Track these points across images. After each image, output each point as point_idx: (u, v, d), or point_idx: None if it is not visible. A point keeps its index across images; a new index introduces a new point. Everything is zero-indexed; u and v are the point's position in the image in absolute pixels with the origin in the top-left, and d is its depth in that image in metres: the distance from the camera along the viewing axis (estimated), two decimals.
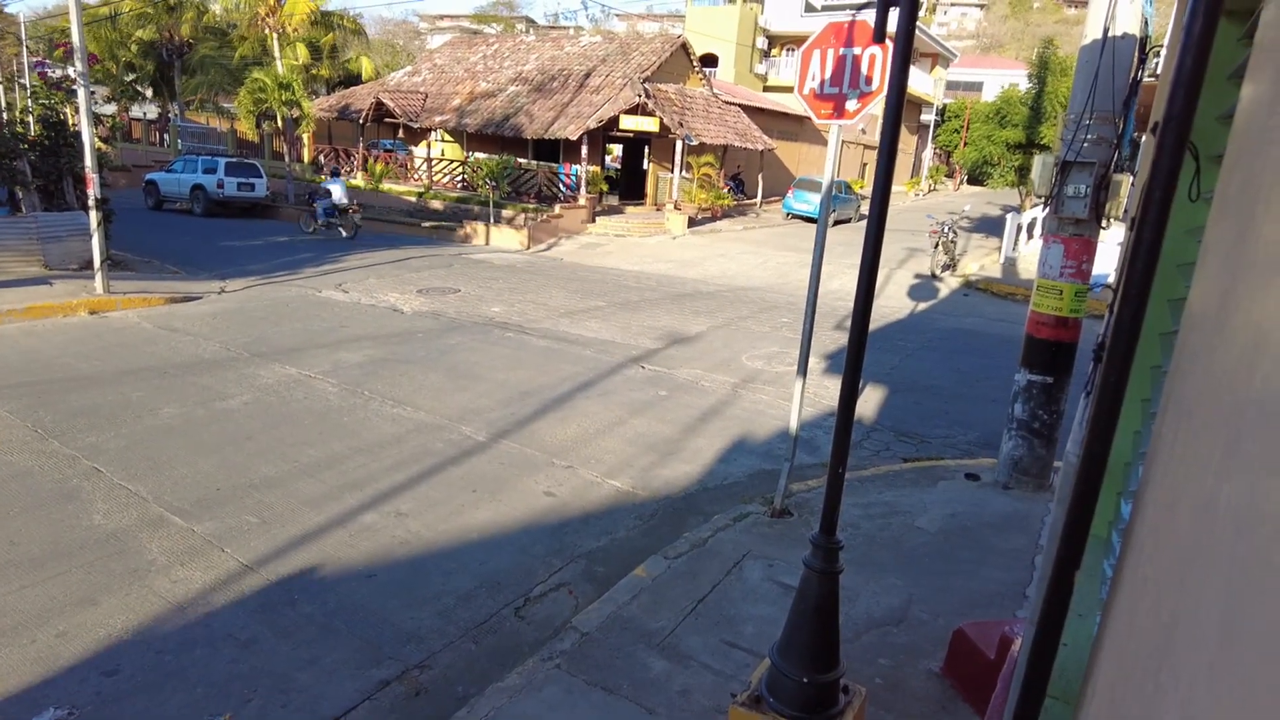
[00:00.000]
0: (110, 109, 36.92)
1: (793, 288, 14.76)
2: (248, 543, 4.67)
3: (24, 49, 24.94)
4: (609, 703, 3.38)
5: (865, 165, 41.27)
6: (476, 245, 19.58)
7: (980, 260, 18.52)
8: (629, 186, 27.51)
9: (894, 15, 2.74)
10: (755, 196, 29.97)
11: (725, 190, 26.94)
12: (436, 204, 22.87)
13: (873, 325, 3.20)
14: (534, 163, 23.74)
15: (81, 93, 10.57)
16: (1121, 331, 1.36)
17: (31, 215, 12.30)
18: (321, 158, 28.64)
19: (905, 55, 2.61)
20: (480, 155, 24.35)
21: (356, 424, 6.65)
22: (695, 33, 33.96)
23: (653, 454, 6.41)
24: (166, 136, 38.25)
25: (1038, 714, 1.56)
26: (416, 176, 25.75)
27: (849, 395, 2.78)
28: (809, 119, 5.67)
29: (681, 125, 22.89)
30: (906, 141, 45.02)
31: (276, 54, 25.24)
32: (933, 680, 3.61)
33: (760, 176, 29.94)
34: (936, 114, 44.36)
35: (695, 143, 23.58)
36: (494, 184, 20.88)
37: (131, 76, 35.77)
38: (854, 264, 2.89)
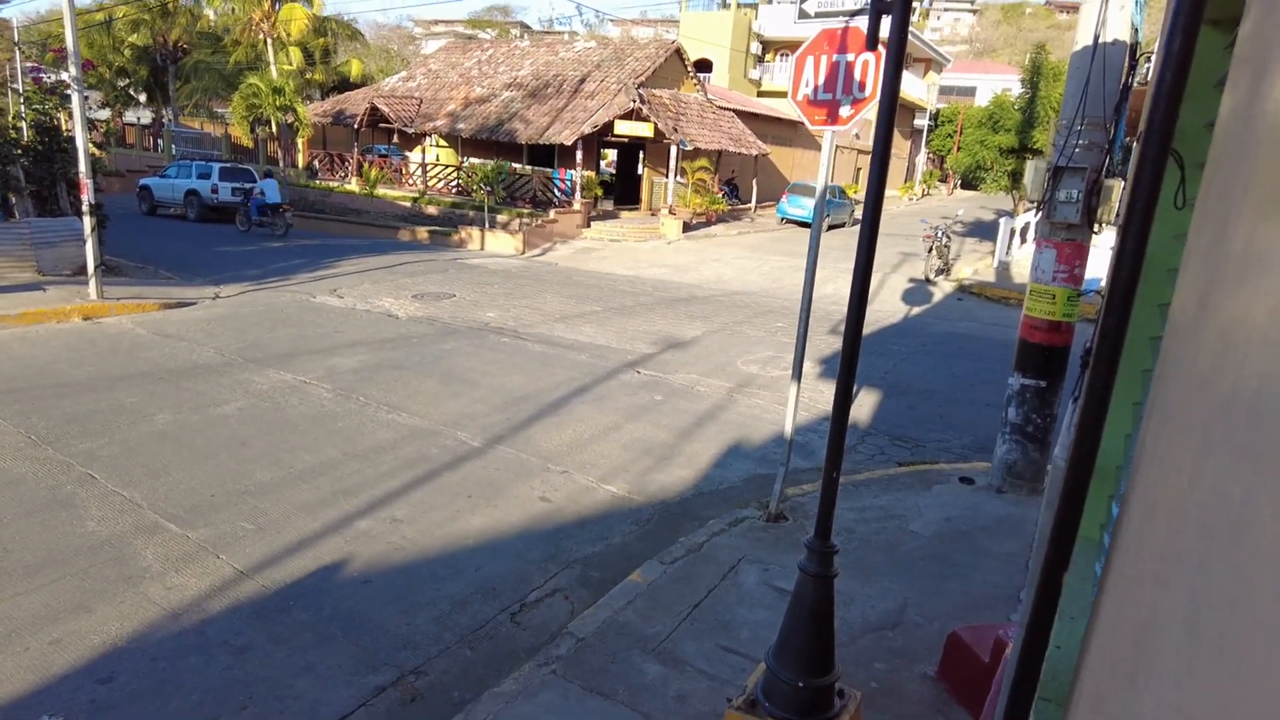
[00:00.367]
0: (104, 114, 36.85)
1: (787, 292, 14.80)
2: (243, 549, 4.67)
3: (17, 53, 24.92)
4: (605, 708, 3.38)
5: (859, 170, 41.43)
6: (471, 250, 19.59)
7: (974, 264, 18.60)
8: (624, 191, 27.55)
9: (887, 22, 2.77)
10: (749, 201, 30.05)
11: (720, 195, 27.01)
12: (431, 209, 22.88)
13: (867, 329, 3.21)
14: (529, 168, 23.77)
15: (76, 98, 10.57)
16: (1107, 336, 1.38)
17: (25, 221, 12.27)
18: (316, 162, 28.63)
19: (898, 61, 2.63)
20: (475, 160, 24.38)
21: (352, 430, 6.65)
22: (689, 38, 34.04)
23: (648, 459, 6.43)
24: (160, 142, 38.20)
25: (1027, 714, 1.58)
26: (411, 182, 25.76)
27: (843, 399, 2.80)
28: (803, 124, 5.69)
29: (676, 130, 22.95)
30: (900, 146, 45.22)
31: (271, 59, 25.25)
32: (928, 684, 3.62)
33: (754, 181, 30.03)
34: (930, 119, 44.56)
35: (690, 148, 23.64)
36: (489, 189, 20.92)
37: (125, 82, 35.74)
38: (848, 268, 2.91)
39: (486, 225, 20.25)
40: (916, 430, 7.51)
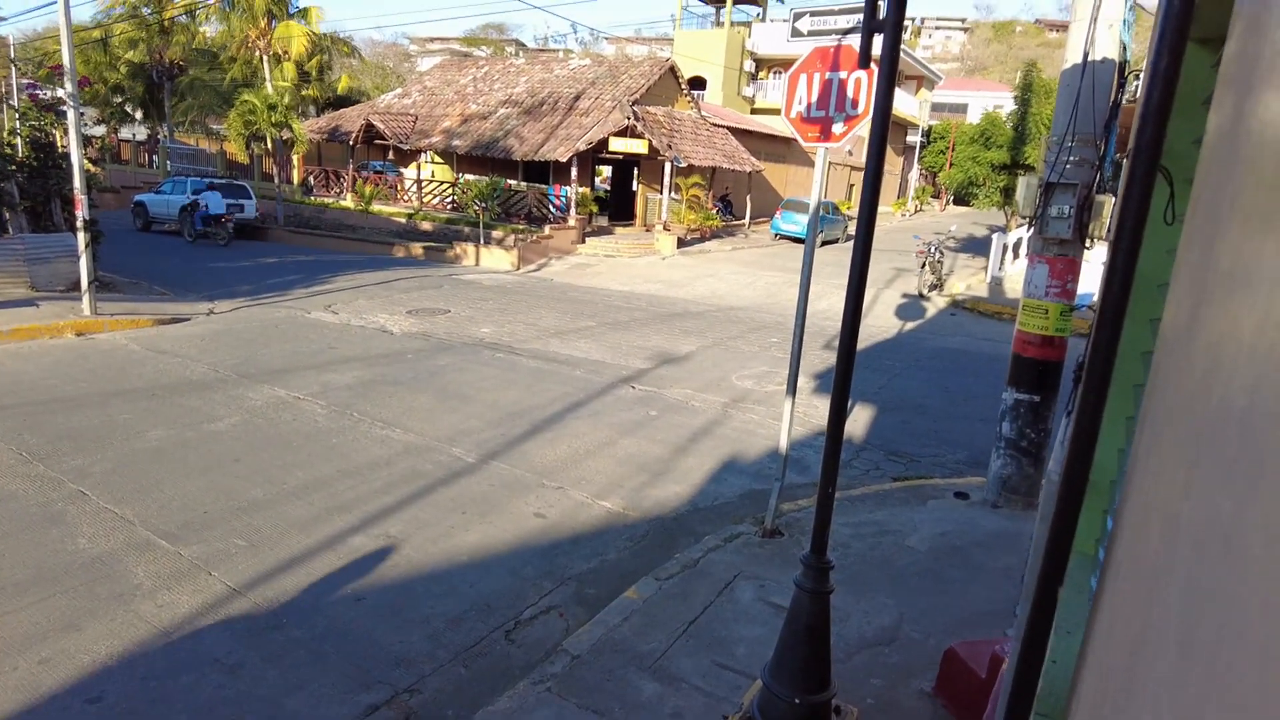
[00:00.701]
0: (99, 130, 36.92)
1: (781, 307, 14.85)
2: (235, 566, 4.63)
3: (13, 70, 24.99)
4: None
5: (852, 186, 41.69)
6: (466, 266, 19.62)
7: (967, 280, 18.69)
8: (618, 208, 27.67)
9: (879, 40, 2.80)
10: (743, 217, 30.20)
11: (714, 211, 27.14)
12: (426, 225, 22.93)
13: (861, 345, 3.23)
14: (524, 184, 23.86)
15: (71, 114, 10.59)
16: (1100, 351, 1.39)
17: (18, 237, 12.25)
18: (311, 179, 28.70)
19: (890, 78, 2.66)
20: (470, 177, 24.46)
21: (346, 446, 6.63)
22: (683, 56, 34.38)
23: (643, 474, 6.41)
24: (156, 158, 38.27)
25: None
26: (406, 198, 25.83)
27: (838, 415, 2.81)
28: (796, 141, 5.73)
29: (670, 147, 23.09)
30: (892, 163, 45.54)
31: (267, 75, 25.35)
32: (924, 700, 3.60)
33: (748, 197, 30.19)
34: (922, 135, 44.92)
35: (684, 164, 23.78)
36: (484, 205, 20.99)
37: (121, 98, 35.84)
38: (842, 284, 2.92)
39: (481, 241, 20.29)
40: (911, 445, 7.51)
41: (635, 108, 22.93)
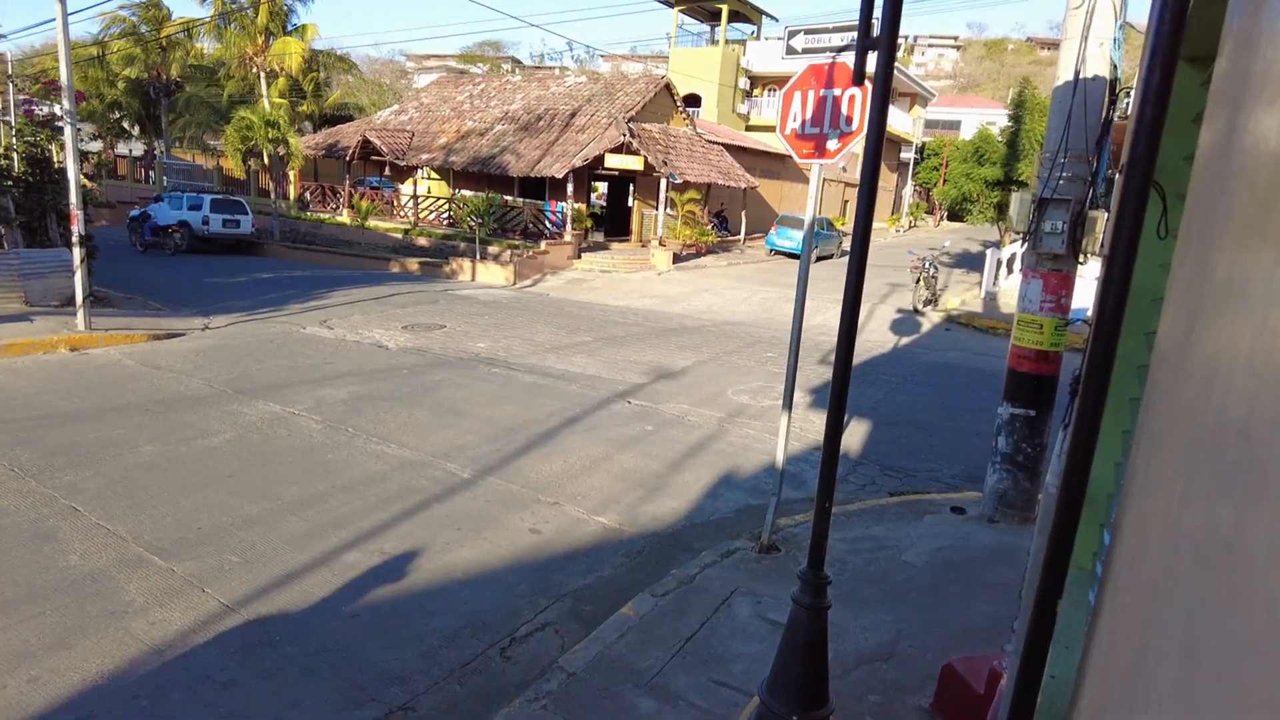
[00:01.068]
0: (96, 146, 36.99)
1: (777, 323, 14.88)
2: (228, 583, 4.60)
3: (10, 87, 25.05)
4: None
5: (846, 202, 41.94)
6: (462, 281, 19.64)
7: (961, 295, 18.77)
8: (614, 223, 27.76)
9: (873, 57, 2.83)
10: (739, 233, 30.34)
11: (709, 227, 27.26)
12: (423, 241, 22.97)
13: (856, 360, 3.23)
14: (520, 200, 23.94)
15: (68, 130, 10.61)
16: (1096, 365, 1.39)
17: (13, 252, 12.24)
18: (308, 194, 28.75)
19: (884, 95, 2.69)
20: (466, 193, 24.54)
21: (340, 461, 6.60)
22: (679, 73, 34.61)
23: (639, 490, 6.39)
24: (152, 173, 38.32)
25: None
26: (402, 214, 25.89)
27: (834, 430, 2.81)
28: (791, 158, 5.77)
29: (666, 164, 23.21)
30: (887, 179, 45.83)
31: (264, 91, 25.47)
32: (923, 716, 3.58)
33: (744, 213, 30.33)
34: (916, 152, 45.26)
35: (679, 181, 23.90)
36: (480, 221, 21.05)
37: (118, 114, 35.94)
38: (837, 299, 2.93)
39: (477, 256, 20.33)
40: (907, 460, 7.51)
41: (631, 124, 23.07)
